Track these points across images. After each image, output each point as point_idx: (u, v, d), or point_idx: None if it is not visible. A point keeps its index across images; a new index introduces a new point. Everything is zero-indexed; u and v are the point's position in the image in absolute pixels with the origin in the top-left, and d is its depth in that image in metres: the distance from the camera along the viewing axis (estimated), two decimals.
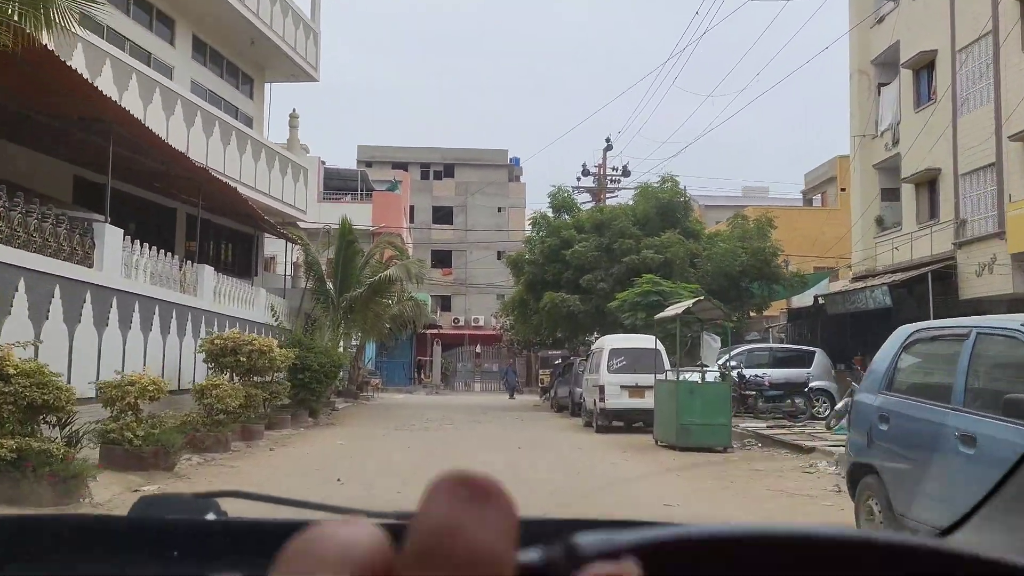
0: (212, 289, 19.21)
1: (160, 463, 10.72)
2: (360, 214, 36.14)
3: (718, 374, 16.89)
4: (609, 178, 35.68)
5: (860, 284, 28.65)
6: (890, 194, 30.92)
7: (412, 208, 64.09)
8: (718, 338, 17.53)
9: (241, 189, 22.77)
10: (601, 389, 19.17)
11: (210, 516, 0.99)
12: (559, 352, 39.33)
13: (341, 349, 34.09)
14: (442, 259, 65.46)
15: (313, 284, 26.87)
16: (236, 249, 25.71)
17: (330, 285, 26.70)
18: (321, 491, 9.24)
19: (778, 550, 0.63)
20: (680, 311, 15.85)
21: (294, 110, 29.56)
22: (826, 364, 22.41)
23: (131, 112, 14.33)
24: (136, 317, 14.73)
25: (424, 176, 66.66)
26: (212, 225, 24.47)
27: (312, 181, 35.15)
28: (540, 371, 37.64)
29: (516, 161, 69.74)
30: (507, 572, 0.27)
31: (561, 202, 29.37)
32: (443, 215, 65.31)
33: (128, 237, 14.97)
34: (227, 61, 25.93)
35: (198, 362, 17.37)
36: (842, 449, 8.75)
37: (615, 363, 19.11)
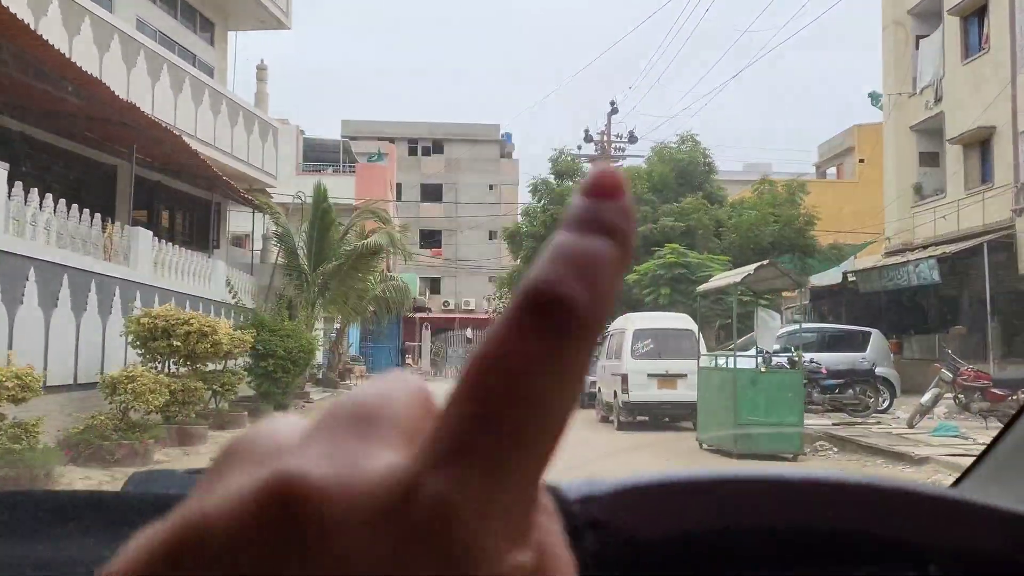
0: (151, 259, 15.60)
1: None
2: (342, 187, 32.51)
3: (771, 360, 13.41)
4: (614, 145, 32.07)
5: (899, 259, 25.29)
6: (929, 159, 27.55)
7: (399, 186, 60.42)
8: (776, 315, 14.07)
9: (196, 147, 19.19)
10: (624, 379, 15.64)
11: None
12: None
13: (320, 333, 30.62)
14: (431, 239, 61.84)
15: (285, 258, 23.32)
16: (192, 218, 22.07)
17: (304, 259, 23.16)
18: None
19: (774, 495, 0.61)
20: (738, 279, 12.32)
21: (262, 61, 25.74)
22: (884, 347, 18.98)
23: (21, 20, 10.72)
24: (31, 289, 11.15)
25: (412, 152, 62.96)
26: (160, 188, 20.85)
27: (286, 145, 31.63)
28: None
29: (508, 137, 66.09)
30: (542, 408, 0.24)
31: (565, 167, 25.80)
32: (432, 192, 61.68)
33: (27, 188, 11.41)
34: (183, 1, 22.23)
35: (130, 348, 13.79)
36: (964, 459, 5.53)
37: (640, 347, 15.64)
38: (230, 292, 17.20)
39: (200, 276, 18.22)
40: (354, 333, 40.33)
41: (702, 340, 15.49)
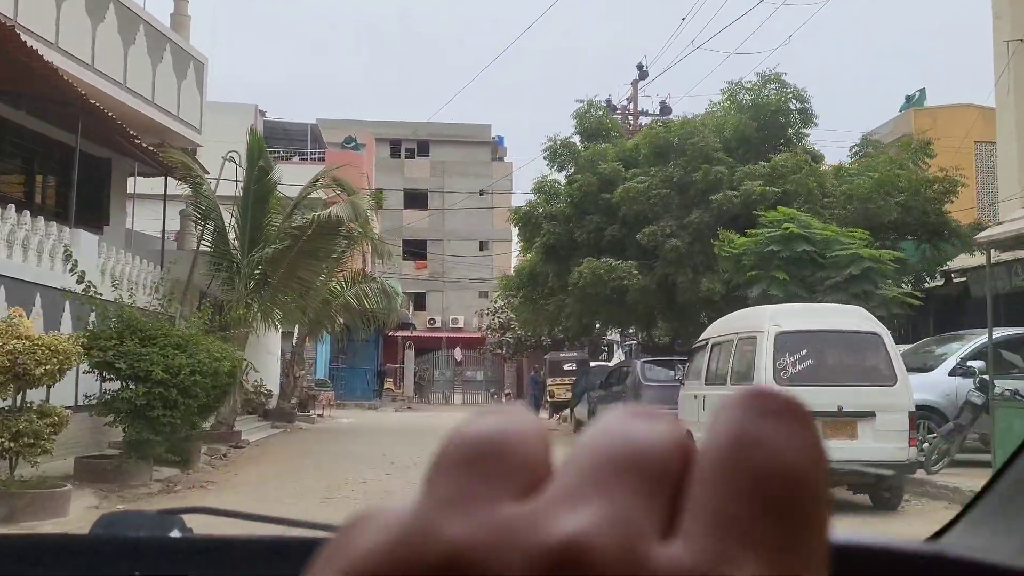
0: None
1: None
2: (309, 178, 25.50)
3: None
4: (643, 117, 25.23)
5: None
6: None
7: (380, 191, 53.36)
8: None
9: (76, 72, 12.21)
10: None
11: (175, 533, 0.94)
12: (572, 355, 28.72)
13: (276, 349, 23.43)
14: (415, 250, 54.78)
15: (210, 242, 16.25)
16: (69, 180, 14.90)
17: (236, 243, 16.11)
18: None
19: None
20: None
21: None
22: None
23: None
24: None
25: (394, 154, 55.98)
26: (25, 133, 13.79)
27: (242, 126, 24.84)
28: (550, 380, 27.24)
29: (500, 140, 59.31)
30: (816, 490, 0.22)
31: (594, 125, 18.82)
32: (416, 199, 54.66)
33: None
34: None
35: None
36: None
37: (790, 363, 8.65)
38: (74, 274, 9.91)
39: (43, 255, 11.09)
40: (323, 351, 33.09)
41: (897, 354, 8.53)
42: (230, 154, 16.95)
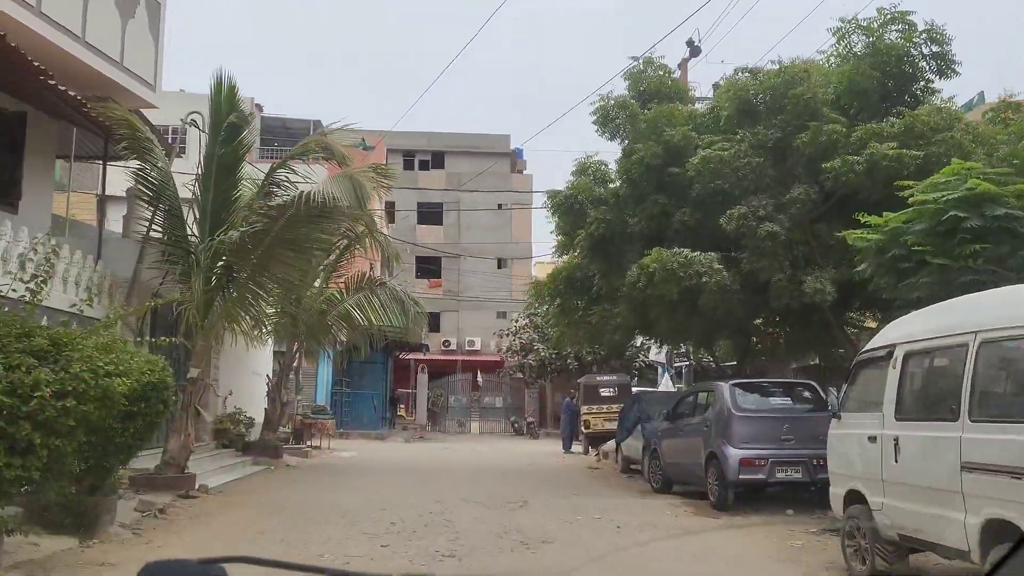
0: None
1: None
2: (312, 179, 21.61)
3: None
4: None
5: None
6: None
7: (392, 205, 49.65)
8: None
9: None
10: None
11: None
12: (610, 378, 24.55)
13: (262, 367, 19.40)
14: (429, 267, 50.89)
15: (164, 224, 12.35)
16: None
17: (193, 227, 12.21)
18: None
19: None
20: None
21: None
22: None
23: None
24: None
25: (408, 166, 52.22)
26: None
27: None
28: (584, 408, 23.02)
29: (520, 152, 55.55)
30: None
31: (654, 86, 14.75)
32: (430, 213, 50.88)
33: None
34: None
35: None
36: None
37: None
38: None
39: None
40: (323, 373, 29.08)
41: None
42: (191, 116, 13.07)
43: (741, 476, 10.95)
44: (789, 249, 12.22)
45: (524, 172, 54.13)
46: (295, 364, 24.26)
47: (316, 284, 18.59)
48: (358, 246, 18.88)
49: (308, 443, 23.14)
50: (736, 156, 12.07)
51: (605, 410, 23.02)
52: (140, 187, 12.22)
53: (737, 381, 11.87)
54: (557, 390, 41.87)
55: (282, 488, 13.62)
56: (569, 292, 17.65)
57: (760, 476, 10.94)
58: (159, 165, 12.06)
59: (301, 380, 26.73)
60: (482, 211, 50.38)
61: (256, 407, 18.46)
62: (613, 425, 22.72)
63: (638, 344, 26.82)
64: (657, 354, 24.08)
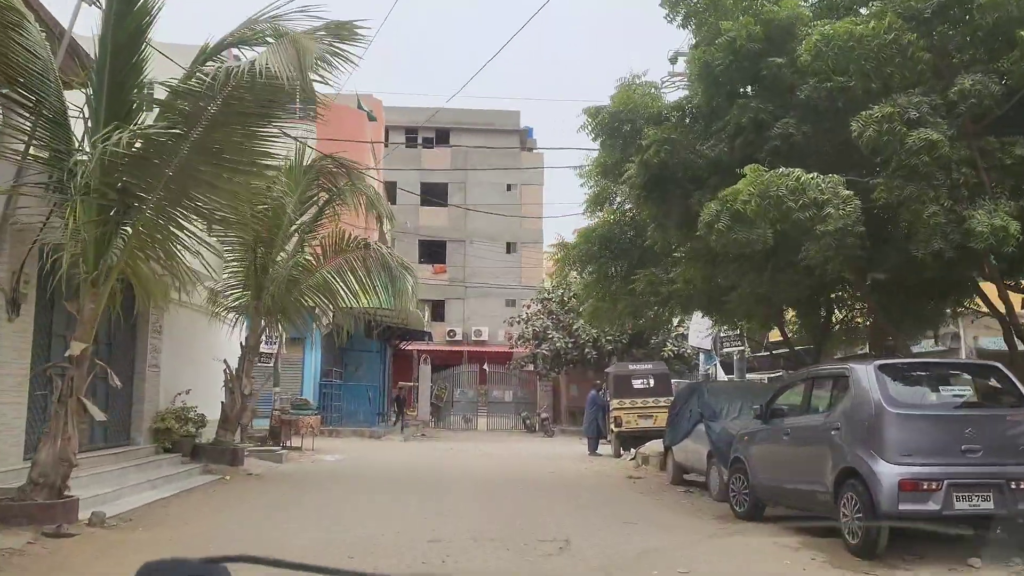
0: None
1: None
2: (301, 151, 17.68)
3: None
4: None
5: None
6: None
7: (395, 185, 45.72)
8: None
9: None
10: None
11: None
12: (645, 367, 20.58)
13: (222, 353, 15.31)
14: (434, 252, 46.90)
15: (44, 136, 8.45)
16: None
17: (84, 139, 8.34)
18: None
19: None
20: None
21: None
22: None
23: None
24: None
25: (411, 143, 48.29)
26: None
27: None
28: (615, 402, 19.03)
29: (530, 132, 51.59)
30: None
31: None
32: (435, 193, 46.90)
33: None
34: None
35: None
36: None
37: None
38: None
39: None
40: (311, 362, 25.21)
41: None
42: None
43: (902, 506, 7.00)
44: (948, 170, 8.25)
45: (535, 150, 50.04)
46: (273, 349, 20.45)
47: (288, 248, 14.70)
48: (340, 202, 14.99)
49: (286, 443, 19.29)
50: (876, 33, 8.08)
51: (639, 405, 19.10)
52: (7, 80, 8.28)
53: (885, 362, 7.90)
54: (572, 382, 37.89)
55: (219, 512, 9.70)
56: (605, 255, 13.71)
57: (932, 507, 7.00)
58: (37, 52, 8.14)
59: (281, 370, 22.90)
60: (490, 191, 46.47)
61: (214, 401, 14.56)
62: (648, 422, 18.84)
63: (676, 323, 22.84)
64: (704, 338, 20.06)
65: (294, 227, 14.52)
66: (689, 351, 29.67)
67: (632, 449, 18.60)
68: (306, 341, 24.87)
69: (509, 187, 47.36)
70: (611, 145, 10.58)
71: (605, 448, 20.47)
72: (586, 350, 32.35)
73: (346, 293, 14.51)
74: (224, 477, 13.10)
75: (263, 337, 20.16)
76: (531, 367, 35.94)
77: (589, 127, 10.60)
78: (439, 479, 14.18)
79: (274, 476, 13.88)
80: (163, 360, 13.52)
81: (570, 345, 32.72)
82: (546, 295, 34.50)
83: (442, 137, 48.11)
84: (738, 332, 17.64)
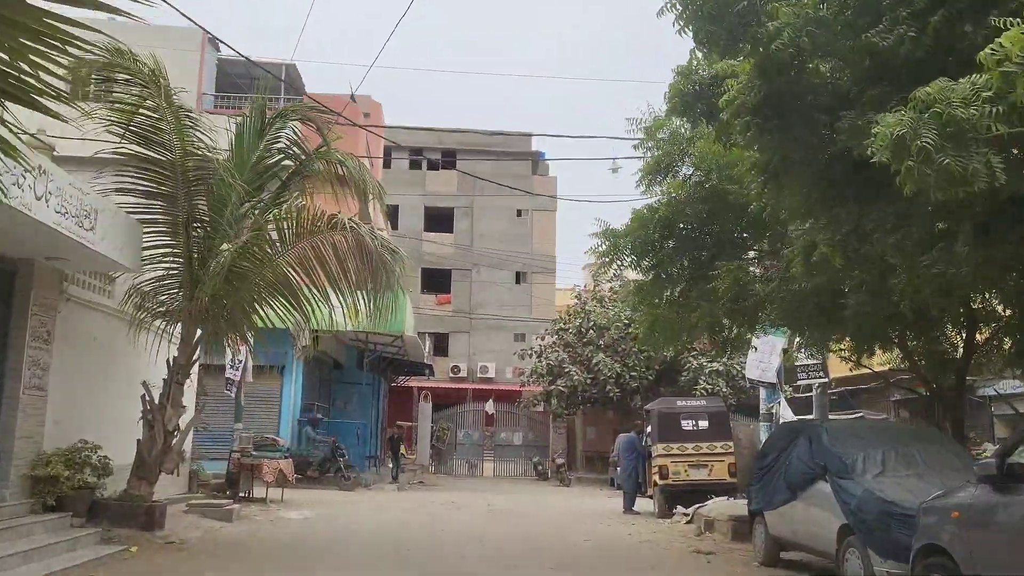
0: None
1: None
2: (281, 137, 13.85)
3: None
4: None
5: None
6: None
7: (396, 209, 41.99)
8: None
9: None
10: None
11: None
12: (697, 404, 16.49)
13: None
14: (437, 282, 42.92)
15: None
16: None
17: None
18: None
19: None
20: None
21: None
22: None
23: None
24: None
25: (414, 165, 44.69)
26: None
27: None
28: (661, 447, 14.86)
29: (542, 155, 47.90)
30: None
31: None
32: (439, 219, 43.10)
33: None
34: None
35: None
36: None
37: None
38: None
39: None
40: (290, 394, 21.13)
41: None
42: None
43: None
44: None
45: (548, 175, 46.35)
46: (236, 376, 16.43)
47: (241, 235, 10.74)
48: (308, 174, 11.13)
49: (246, 494, 15.19)
50: None
51: (691, 451, 14.98)
52: None
53: None
54: (590, 424, 33.62)
55: None
56: (665, 247, 9.80)
57: None
58: None
59: (251, 403, 18.86)
60: (499, 217, 42.68)
61: (128, 442, 10.48)
62: (702, 473, 14.75)
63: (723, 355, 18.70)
64: (766, 369, 15.96)
65: (247, 205, 10.60)
66: (730, 388, 25.57)
67: (679, 507, 14.48)
68: (285, 370, 20.87)
69: (519, 212, 43.61)
70: (710, 38, 6.66)
71: (642, 504, 16.29)
72: (607, 387, 28.25)
73: (314, 290, 10.52)
74: (129, 548, 9.03)
75: (228, 360, 16.23)
76: (541, 408, 31.79)
77: (676, 7, 6.67)
78: (436, 554, 10.06)
79: (206, 547, 9.77)
80: (52, 381, 9.52)
81: (589, 381, 28.61)
82: (562, 325, 30.50)
83: (448, 159, 44.45)
84: (820, 360, 13.61)
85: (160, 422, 10.16)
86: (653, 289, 10.20)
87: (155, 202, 10.35)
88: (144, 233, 10.22)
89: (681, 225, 9.70)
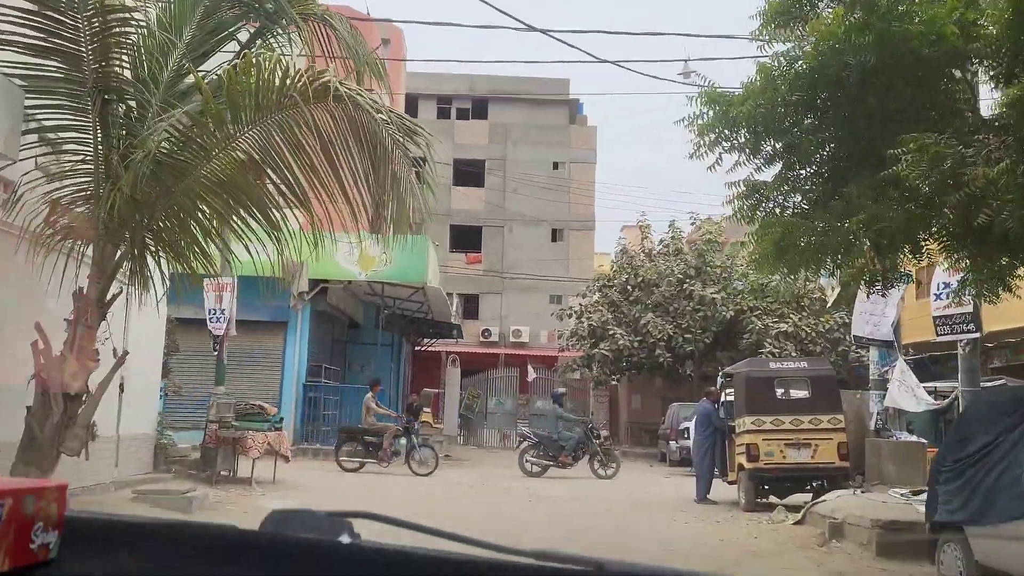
0: None
1: None
2: (291, 76, 10.48)
3: None
4: None
5: None
6: None
7: (422, 160, 38.61)
8: None
9: None
10: None
11: (344, 538, 0.88)
12: (796, 367, 13.06)
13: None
14: (467, 239, 39.56)
15: None
16: None
17: None
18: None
19: None
20: None
21: None
22: None
23: None
24: None
25: (443, 114, 41.18)
26: None
27: None
28: (749, 420, 11.45)
29: (580, 107, 44.17)
30: None
31: None
32: (470, 172, 39.65)
33: None
34: None
35: None
36: None
37: None
38: None
39: None
40: (293, 354, 17.98)
41: None
42: None
43: None
44: None
45: (587, 125, 42.64)
46: (220, 329, 13.25)
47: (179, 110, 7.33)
48: (275, 34, 7.76)
49: (225, 473, 12.09)
50: None
51: (789, 426, 11.53)
52: None
53: None
54: (635, 392, 30.24)
55: None
56: (801, 122, 6.33)
57: None
58: None
59: (234, 361, 15.78)
60: (534, 170, 39.09)
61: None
62: (803, 455, 11.29)
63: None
64: (877, 324, 12.39)
65: (188, 68, 7.24)
66: (800, 353, 22.03)
67: (772, 498, 11.10)
68: (289, 327, 17.74)
69: (556, 165, 40.03)
70: None
71: (716, 494, 12.86)
72: (656, 351, 24.82)
73: (280, 194, 7.16)
74: None
75: (209, 311, 13.05)
76: (578, 375, 28.51)
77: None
78: None
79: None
80: None
81: (636, 344, 25.18)
82: (606, 282, 27.07)
83: (479, 108, 40.93)
84: (972, 308, 10.06)
85: (58, 382, 6.91)
86: (780, 187, 6.70)
87: (49, 61, 7.03)
88: (33, 107, 6.94)
89: (831, 88, 6.18)
